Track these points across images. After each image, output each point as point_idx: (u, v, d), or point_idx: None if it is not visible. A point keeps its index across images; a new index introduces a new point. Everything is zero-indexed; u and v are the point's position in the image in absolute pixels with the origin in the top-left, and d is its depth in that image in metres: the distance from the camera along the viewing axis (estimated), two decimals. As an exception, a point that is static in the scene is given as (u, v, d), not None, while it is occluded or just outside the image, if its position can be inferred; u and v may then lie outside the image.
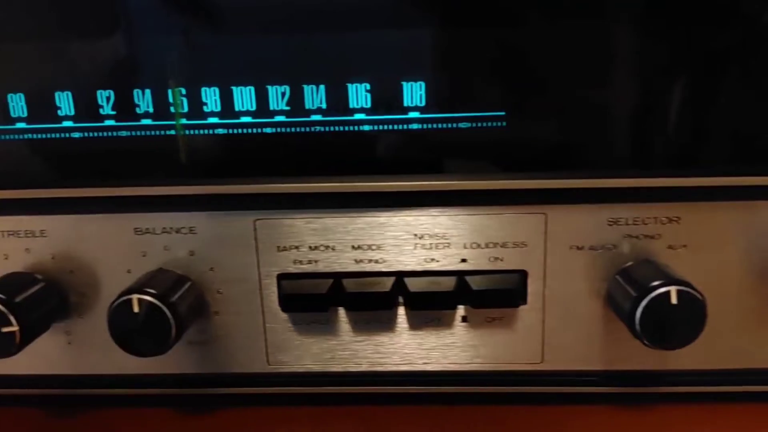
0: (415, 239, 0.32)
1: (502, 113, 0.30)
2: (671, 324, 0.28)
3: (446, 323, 0.33)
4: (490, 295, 0.31)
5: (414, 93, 0.31)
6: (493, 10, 0.29)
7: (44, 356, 0.34)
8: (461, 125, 0.31)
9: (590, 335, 0.33)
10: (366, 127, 0.31)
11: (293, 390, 0.34)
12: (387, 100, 0.30)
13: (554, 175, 0.30)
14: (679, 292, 0.27)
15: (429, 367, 0.33)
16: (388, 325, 0.33)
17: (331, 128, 0.31)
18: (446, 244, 0.32)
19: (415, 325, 0.33)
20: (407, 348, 0.33)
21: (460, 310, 0.33)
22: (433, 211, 0.31)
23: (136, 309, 0.28)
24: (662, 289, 0.28)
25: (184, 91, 0.31)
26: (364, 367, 0.33)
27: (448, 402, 0.34)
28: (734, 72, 0.29)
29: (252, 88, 0.31)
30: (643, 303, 0.28)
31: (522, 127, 0.30)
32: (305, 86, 0.31)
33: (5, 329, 0.28)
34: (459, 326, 0.33)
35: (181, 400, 0.35)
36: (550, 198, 0.31)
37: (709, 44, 0.29)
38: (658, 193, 0.30)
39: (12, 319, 0.29)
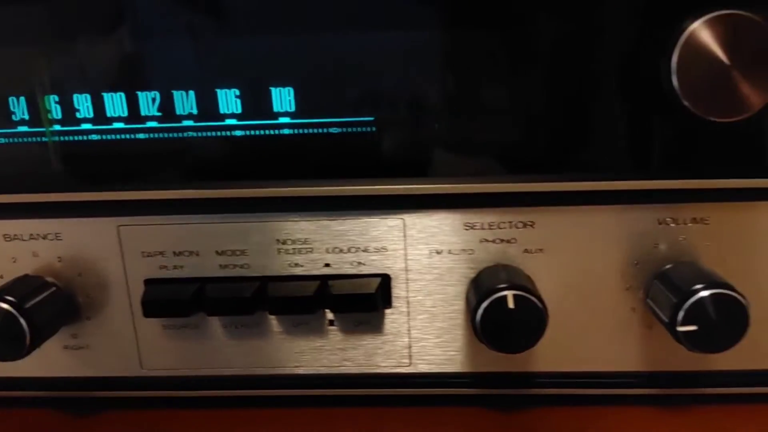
0: (278, 244, 0.32)
1: (371, 119, 0.32)
2: (510, 328, 0.28)
3: (315, 327, 0.33)
4: (349, 299, 0.31)
5: (283, 99, 0.32)
6: (358, 17, 0.30)
7: None
8: (332, 130, 0.32)
9: (455, 338, 0.33)
10: (237, 133, 0.32)
11: (167, 393, 0.34)
12: (257, 105, 0.31)
13: (410, 181, 0.31)
14: (515, 297, 0.28)
15: (300, 371, 0.34)
16: (259, 329, 0.33)
17: (202, 134, 0.32)
18: (309, 249, 0.32)
19: (285, 329, 0.33)
20: (278, 352, 0.34)
21: (329, 314, 0.33)
22: (295, 216, 0.32)
23: (-10, 315, 0.29)
24: (500, 294, 0.28)
25: (56, 98, 0.32)
26: (236, 371, 0.34)
27: (318, 405, 0.35)
28: (561, 77, 0.30)
29: (122, 95, 0.31)
30: (482, 307, 0.28)
31: (390, 132, 0.31)
32: (174, 92, 0.32)
33: None
34: (328, 330, 0.34)
35: (61, 402, 0.35)
36: (407, 204, 0.31)
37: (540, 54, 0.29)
38: (511, 198, 0.31)
39: None
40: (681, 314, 0.28)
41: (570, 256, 0.32)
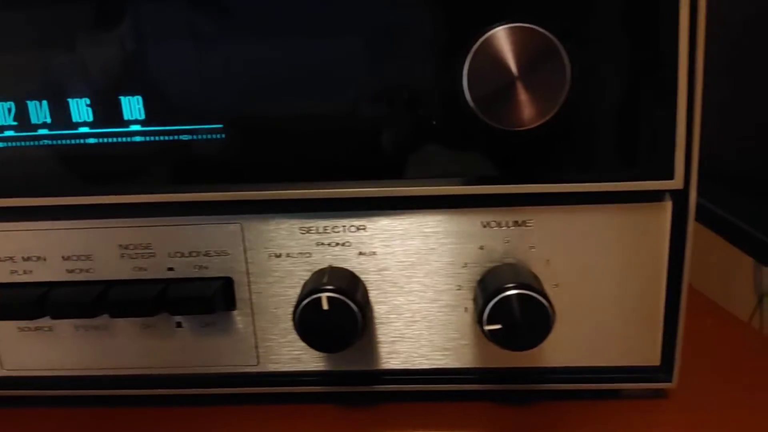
0: (122, 249, 0.34)
1: (220, 126, 0.33)
2: (324, 328, 0.30)
3: (163, 329, 0.35)
4: (187, 302, 0.33)
5: (132, 107, 0.33)
6: (202, 28, 0.31)
7: None
8: (182, 137, 0.33)
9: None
10: (91, 140, 0.33)
11: (26, 393, 0.36)
12: (108, 114, 0.32)
13: (247, 187, 0.32)
14: (329, 299, 0.30)
15: (151, 371, 0.35)
16: (109, 331, 0.35)
17: (57, 142, 0.33)
18: (151, 254, 0.34)
19: (134, 331, 0.35)
20: (129, 353, 0.35)
21: (177, 317, 0.35)
22: (138, 221, 0.33)
23: None
24: (315, 296, 0.30)
25: None
26: (90, 372, 0.35)
27: (171, 404, 0.36)
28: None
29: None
30: (299, 308, 0.30)
31: (239, 139, 0.32)
32: (29, 102, 0.33)
33: None
34: (176, 331, 0.35)
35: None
36: (245, 209, 0.33)
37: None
38: (344, 203, 0.32)
39: None
40: (486, 313, 0.30)
41: (405, 257, 0.33)
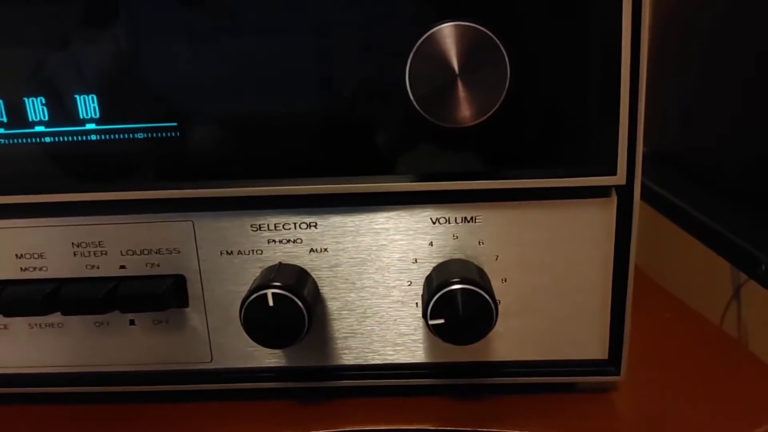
0: (74, 247, 0.34)
1: (174, 124, 0.33)
2: (270, 325, 0.30)
3: (116, 326, 0.35)
4: (137, 300, 0.33)
5: (88, 105, 0.33)
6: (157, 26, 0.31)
7: None
8: (137, 136, 0.33)
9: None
10: (47, 139, 0.33)
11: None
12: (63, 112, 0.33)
13: (197, 185, 0.32)
14: (274, 295, 0.30)
15: (106, 369, 0.35)
16: (64, 328, 0.35)
17: (11, 141, 0.33)
18: (104, 252, 0.34)
19: (88, 328, 0.35)
20: (83, 350, 0.35)
21: (130, 314, 0.35)
22: (89, 219, 0.33)
23: None
24: (261, 292, 0.30)
25: None
26: (44, 369, 0.35)
27: (126, 401, 0.36)
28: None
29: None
30: (246, 303, 0.30)
31: (191, 138, 0.32)
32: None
33: None
34: (130, 329, 0.35)
35: None
36: (196, 206, 0.33)
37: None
38: (294, 200, 0.33)
39: None
40: (430, 307, 0.30)
41: (356, 254, 0.33)
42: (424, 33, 0.28)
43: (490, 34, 0.28)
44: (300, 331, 0.30)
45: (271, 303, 0.30)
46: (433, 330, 0.30)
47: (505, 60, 0.28)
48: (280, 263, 0.33)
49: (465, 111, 0.28)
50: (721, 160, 0.55)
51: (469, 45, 0.28)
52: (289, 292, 0.30)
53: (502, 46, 0.28)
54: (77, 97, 0.32)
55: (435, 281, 0.31)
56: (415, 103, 0.28)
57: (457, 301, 0.30)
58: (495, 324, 0.30)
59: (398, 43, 0.29)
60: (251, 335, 0.30)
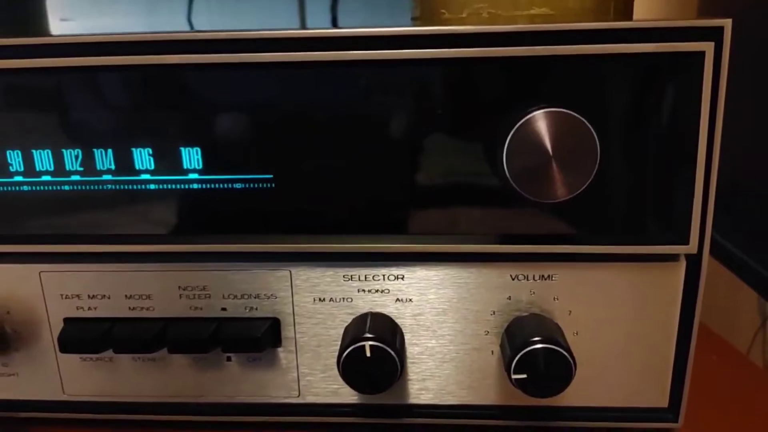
0: (180, 290, 0.37)
1: (270, 176, 0.36)
2: (368, 373, 0.33)
3: (214, 362, 0.38)
4: (239, 341, 0.36)
5: (192, 157, 0.36)
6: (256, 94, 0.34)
7: None
8: (235, 186, 0.36)
9: (338, 374, 0.36)
10: (152, 186, 0.36)
11: (85, 416, 0.39)
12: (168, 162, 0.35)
13: (297, 240, 0.35)
14: (372, 347, 0.33)
15: (201, 399, 0.39)
16: (164, 362, 0.38)
17: (121, 187, 0.36)
18: (207, 295, 0.37)
19: (187, 363, 0.38)
20: (182, 382, 0.38)
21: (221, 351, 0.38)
22: (196, 266, 0.36)
23: None
24: (359, 344, 0.33)
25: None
26: (145, 398, 0.39)
27: (218, 429, 0.39)
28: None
29: (49, 151, 0.36)
30: (344, 355, 0.33)
31: (287, 191, 0.35)
32: (95, 150, 0.35)
33: None
34: (226, 364, 0.38)
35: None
36: (294, 258, 0.36)
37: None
38: (386, 256, 0.35)
39: None
40: (514, 363, 0.33)
41: (437, 305, 0.36)
42: (521, 118, 0.31)
43: (583, 119, 0.30)
44: (393, 378, 0.33)
45: (368, 354, 0.32)
46: (515, 383, 0.33)
47: (595, 143, 0.30)
48: (370, 313, 0.36)
49: (556, 189, 0.31)
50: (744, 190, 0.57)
51: (562, 130, 0.30)
52: (384, 344, 0.33)
53: (593, 129, 0.30)
54: (182, 149, 0.35)
55: (518, 337, 0.33)
56: (510, 179, 0.31)
57: (540, 359, 0.32)
58: (572, 380, 0.33)
59: (497, 126, 0.31)
60: (349, 382, 0.33)
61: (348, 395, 0.38)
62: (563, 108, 0.30)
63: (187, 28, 0.58)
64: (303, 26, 0.45)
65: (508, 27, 0.31)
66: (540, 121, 0.30)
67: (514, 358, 0.32)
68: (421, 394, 0.38)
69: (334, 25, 0.46)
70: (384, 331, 0.34)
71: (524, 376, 0.32)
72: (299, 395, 0.38)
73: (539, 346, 0.32)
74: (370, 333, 0.33)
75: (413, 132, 0.33)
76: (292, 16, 0.55)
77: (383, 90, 0.33)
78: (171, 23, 0.61)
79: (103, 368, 0.38)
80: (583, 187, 0.31)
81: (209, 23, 0.59)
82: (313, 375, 0.38)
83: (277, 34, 0.32)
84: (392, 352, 0.33)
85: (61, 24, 0.55)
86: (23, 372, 0.38)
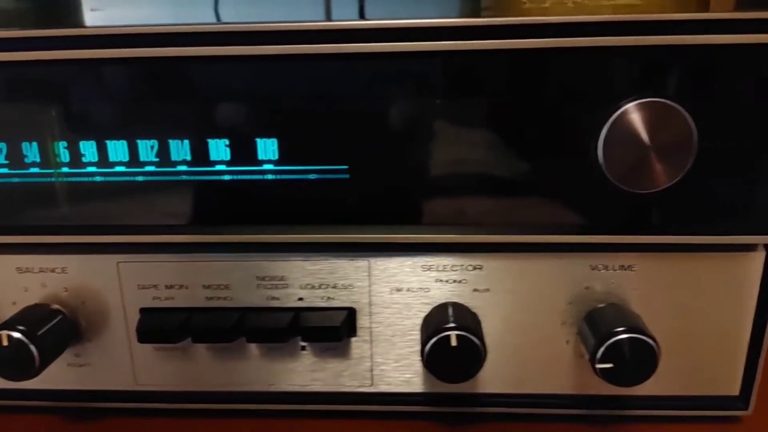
0: (258, 280, 0.37)
1: (345, 167, 0.35)
2: (451, 362, 0.33)
3: (289, 351, 0.38)
4: (318, 330, 0.36)
5: (267, 148, 0.35)
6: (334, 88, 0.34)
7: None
8: (310, 177, 0.36)
9: (412, 363, 0.38)
10: (226, 177, 0.36)
11: (157, 406, 0.39)
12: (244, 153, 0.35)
13: (377, 230, 0.35)
14: (458, 336, 0.33)
15: (275, 388, 0.39)
16: (239, 351, 0.38)
17: (195, 178, 0.36)
18: (285, 285, 0.37)
19: (261, 352, 0.38)
20: (256, 371, 0.38)
21: (300, 340, 0.38)
22: (274, 257, 0.36)
23: (5, 343, 0.33)
24: (444, 334, 0.33)
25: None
26: (218, 387, 0.39)
27: (290, 417, 0.39)
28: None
29: (125, 142, 0.35)
30: (430, 343, 0.33)
31: (362, 181, 0.35)
32: (171, 141, 0.35)
33: None
34: (300, 354, 0.38)
35: (64, 411, 0.40)
36: (373, 248, 0.36)
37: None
38: (464, 246, 0.36)
39: None
40: (599, 353, 0.33)
41: (514, 295, 0.36)
42: (618, 109, 0.30)
43: (681, 109, 0.30)
44: (478, 366, 0.33)
45: (454, 343, 0.33)
46: (599, 373, 0.33)
47: (693, 133, 0.30)
48: (451, 302, 0.36)
49: (652, 180, 0.31)
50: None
51: (660, 120, 0.30)
52: (469, 332, 0.33)
53: (691, 119, 0.30)
54: (258, 140, 0.35)
55: (602, 327, 0.33)
56: (605, 171, 0.31)
57: (626, 349, 0.32)
58: (657, 367, 0.33)
59: (590, 117, 0.31)
60: (433, 372, 0.33)
61: (420, 384, 0.38)
62: (660, 98, 0.30)
63: (216, 19, 0.58)
64: (362, 16, 0.45)
65: (600, 17, 0.31)
66: (637, 111, 0.30)
67: (599, 348, 0.33)
68: (494, 382, 0.38)
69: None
70: (467, 320, 0.34)
71: (610, 365, 0.33)
72: (372, 384, 0.38)
73: (625, 336, 0.33)
74: (454, 322, 0.34)
75: (494, 123, 0.33)
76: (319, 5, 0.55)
77: (468, 83, 0.33)
78: (199, 14, 0.61)
79: (176, 358, 0.38)
80: (678, 178, 0.31)
81: (236, 13, 0.59)
82: (387, 364, 0.38)
83: (364, 25, 0.32)
84: (477, 341, 0.33)
85: (91, 14, 0.54)
86: (96, 362, 0.38)
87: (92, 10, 0.54)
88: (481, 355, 0.33)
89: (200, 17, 0.60)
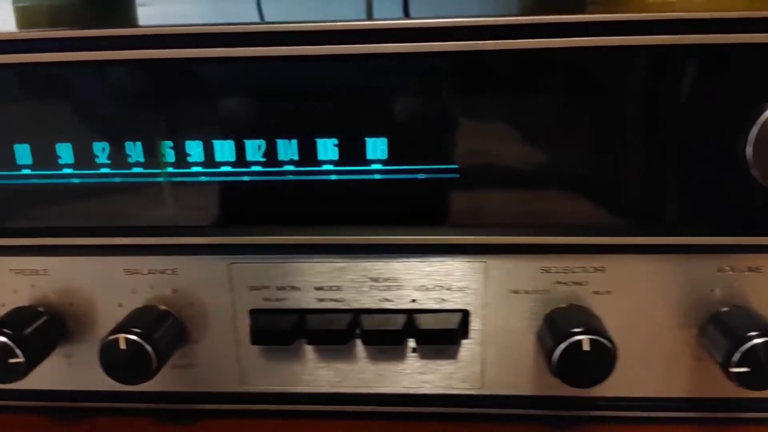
0: (371, 282, 0.36)
1: (455, 166, 0.34)
2: (583, 367, 0.32)
3: (398, 353, 0.37)
4: (434, 333, 0.35)
5: (377, 147, 0.35)
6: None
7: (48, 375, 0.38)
8: (419, 176, 0.35)
9: (523, 367, 0.37)
10: (333, 177, 0.35)
11: (261, 407, 0.38)
12: (352, 153, 0.34)
13: (493, 232, 0.34)
14: (591, 341, 0.32)
15: (383, 390, 0.38)
16: (348, 353, 0.37)
17: (302, 178, 0.35)
18: (398, 287, 0.36)
19: (371, 354, 0.37)
20: (364, 373, 0.38)
21: (411, 342, 0.37)
22: (387, 258, 0.35)
23: (122, 346, 0.33)
24: (576, 338, 0.32)
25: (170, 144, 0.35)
26: (324, 389, 0.38)
27: (398, 419, 0.38)
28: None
29: (232, 142, 0.35)
30: (560, 348, 0.32)
31: (473, 181, 0.34)
32: (278, 141, 0.34)
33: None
34: (410, 356, 0.37)
35: (166, 413, 0.39)
36: (490, 250, 0.35)
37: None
38: (585, 248, 0.35)
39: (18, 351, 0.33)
40: (736, 357, 0.32)
41: (635, 296, 0.35)
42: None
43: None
44: (610, 369, 0.32)
45: (587, 348, 0.32)
46: (734, 376, 0.32)
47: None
48: (574, 305, 0.35)
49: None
50: None
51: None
52: (600, 336, 0.32)
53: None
54: (368, 140, 0.34)
55: (736, 331, 0.32)
56: (755, 171, 0.30)
57: (763, 354, 0.31)
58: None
59: (737, 115, 0.30)
60: (563, 377, 0.32)
61: (530, 388, 0.38)
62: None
63: (257, 14, 0.57)
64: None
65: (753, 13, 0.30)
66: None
67: (734, 352, 0.32)
68: (608, 385, 0.37)
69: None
70: (593, 323, 0.33)
71: (747, 369, 0.32)
72: (482, 387, 0.38)
73: (761, 340, 0.32)
74: (582, 326, 0.33)
75: (628, 122, 0.32)
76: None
77: (608, 80, 0.32)
78: (240, 10, 0.60)
79: (283, 359, 0.38)
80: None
81: (276, 9, 0.58)
82: (498, 367, 0.37)
83: (466, 22, 0.31)
84: (609, 345, 0.32)
85: (140, 9, 0.53)
86: (201, 363, 0.38)
87: (140, 5, 0.53)
88: (614, 358, 0.32)
89: (242, 12, 0.60)
